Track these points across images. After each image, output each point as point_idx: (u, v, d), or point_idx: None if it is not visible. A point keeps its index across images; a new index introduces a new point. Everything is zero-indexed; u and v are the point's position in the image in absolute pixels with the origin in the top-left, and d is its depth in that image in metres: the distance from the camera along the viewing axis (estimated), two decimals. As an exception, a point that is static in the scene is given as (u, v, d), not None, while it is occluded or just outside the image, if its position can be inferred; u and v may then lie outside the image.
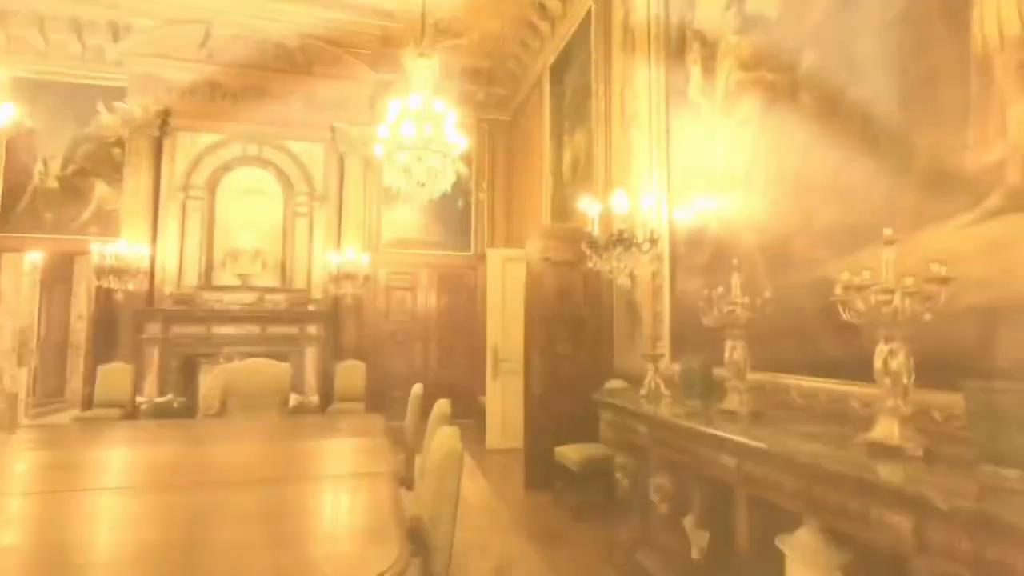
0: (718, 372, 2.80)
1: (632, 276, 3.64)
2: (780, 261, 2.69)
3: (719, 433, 2.05)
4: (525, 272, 4.84)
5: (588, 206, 3.71)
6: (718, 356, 2.75)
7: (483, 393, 6.84)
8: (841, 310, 1.78)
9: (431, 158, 4.31)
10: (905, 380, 1.63)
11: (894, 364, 1.64)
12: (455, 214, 8.14)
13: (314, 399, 6.16)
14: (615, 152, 4.67)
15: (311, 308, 6.48)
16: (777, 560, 2.55)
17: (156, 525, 1.76)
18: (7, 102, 4.74)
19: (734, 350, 2.44)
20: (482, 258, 8.04)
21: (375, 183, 7.64)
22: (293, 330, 6.34)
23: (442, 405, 2.78)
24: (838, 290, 1.76)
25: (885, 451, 1.60)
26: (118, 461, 2.67)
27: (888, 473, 1.44)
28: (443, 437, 1.92)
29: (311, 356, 6.31)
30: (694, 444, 2.25)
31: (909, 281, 1.58)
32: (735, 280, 2.49)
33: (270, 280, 6.57)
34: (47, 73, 6.77)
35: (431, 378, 7.68)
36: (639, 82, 4.22)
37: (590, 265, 3.77)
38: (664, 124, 3.83)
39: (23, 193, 6.75)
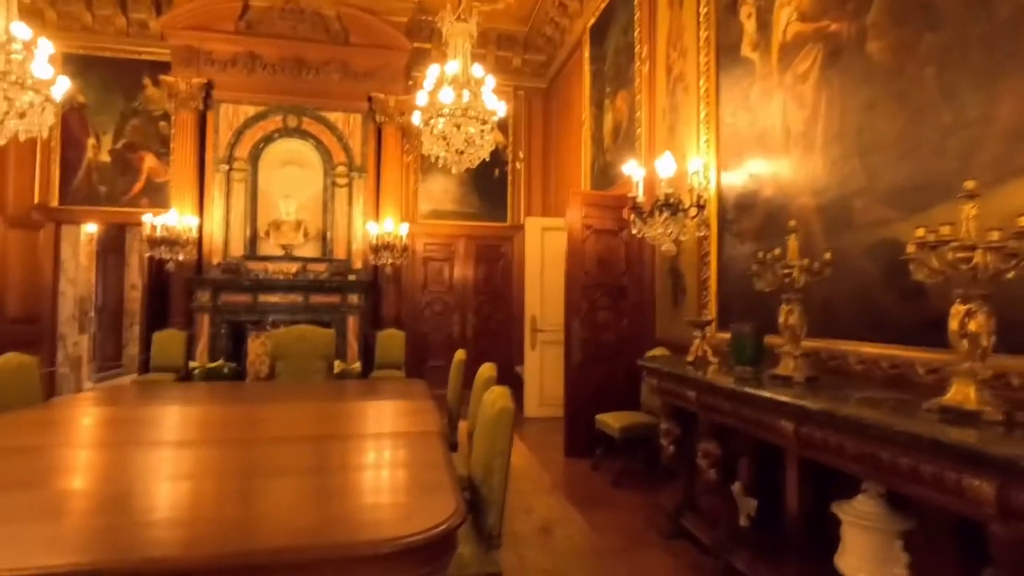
0: (768, 339, 2.74)
1: (677, 242, 3.55)
2: (839, 223, 2.57)
3: (778, 397, 2.00)
4: (566, 240, 4.79)
5: (632, 171, 3.62)
6: (765, 323, 2.70)
7: (519, 363, 6.94)
8: (913, 270, 1.69)
9: (469, 125, 4.26)
10: (984, 342, 1.55)
11: (972, 325, 1.56)
12: (491, 184, 8.09)
13: (356, 366, 6.31)
14: (659, 115, 4.52)
15: (352, 278, 6.58)
16: (827, 527, 2.51)
17: (218, 476, 1.83)
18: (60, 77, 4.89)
19: (790, 314, 2.36)
20: (519, 228, 8.01)
21: (412, 153, 7.66)
22: (335, 299, 6.47)
23: (487, 369, 2.80)
24: (911, 248, 1.66)
25: (960, 416, 1.53)
26: (181, 418, 2.79)
27: (968, 436, 1.37)
28: (495, 395, 1.93)
29: (352, 324, 6.45)
30: (748, 409, 2.21)
31: (995, 235, 1.48)
32: (792, 243, 2.40)
33: (311, 250, 6.70)
34: (95, 49, 6.94)
35: (467, 348, 7.66)
36: (687, 41, 4.04)
37: (635, 232, 3.70)
38: (713, 84, 3.68)
39: (79, 167, 7.00)
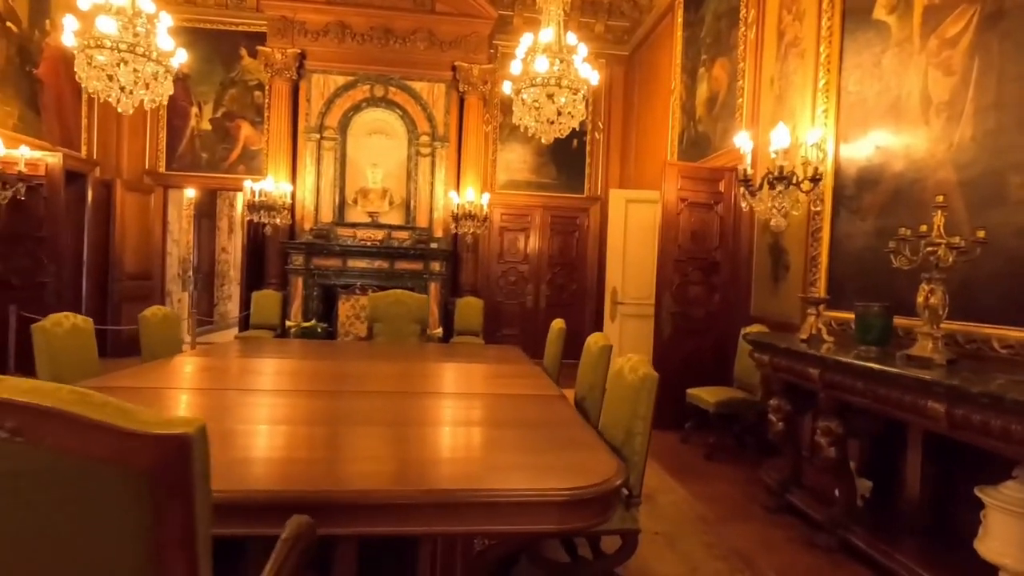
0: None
1: (785, 217, 3.45)
2: (988, 199, 2.43)
3: (927, 377, 1.95)
4: (650, 212, 4.72)
5: (741, 143, 3.52)
6: (883, 303, 2.64)
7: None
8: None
9: (561, 95, 4.23)
10: None
11: None
12: (569, 155, 8.04)
13: (438, 331, 6.53)
14: (765, 84, 4.34)
15: (433, 246, 6.77)
16: (953, 514, 2.46)
17: (399, 423, 1.97)
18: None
19: (931, 294, 2.27)
20: (595, 200, 7.98)
21: (492, 123, 7.69)
22: (418, 266, 6.70)
23: (600, 338, 2.84)
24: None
25: None
26: (336, 371, 2.95)
27: None
28: (635, 363, 1.99)
29: (434, 291, 6.65)
30: (886, 388, 2.16)
31: None
32: (938, 219, 2.29)
33: (395, 218, 6.91)
34: (197, 21, 7.28)
35: (541, 319, 7.91)
36: (805, 3, 3.84)
37: (743, 206, 3.62)
38: (836, 49, 3.48)
39: (183, 135, 7.45)
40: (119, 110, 3.95)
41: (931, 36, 2.78)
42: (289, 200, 6.56)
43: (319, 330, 5.99)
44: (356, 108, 6.87)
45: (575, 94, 4.25)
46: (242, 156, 7.44)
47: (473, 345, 5.51)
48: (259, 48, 6.82)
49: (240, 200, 8.65)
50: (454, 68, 7.08)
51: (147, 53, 3.71)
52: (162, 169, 7.38)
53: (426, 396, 2.46)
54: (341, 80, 6.78)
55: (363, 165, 6.89)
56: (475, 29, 7.08)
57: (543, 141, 4.42)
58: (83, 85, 3.65)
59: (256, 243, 7.14)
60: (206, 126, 7.43)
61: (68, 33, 3.65)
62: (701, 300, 4.73)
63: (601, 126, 8.06)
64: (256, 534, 1.31)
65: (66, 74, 6.08)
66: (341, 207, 6.80)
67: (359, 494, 1.32)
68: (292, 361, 3.20)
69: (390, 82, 6.90)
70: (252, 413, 2.06)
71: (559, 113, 4.24)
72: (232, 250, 10.98)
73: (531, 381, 2.80)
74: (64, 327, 2.54)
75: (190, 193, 8.55)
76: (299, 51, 6.69)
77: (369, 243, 6.65)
